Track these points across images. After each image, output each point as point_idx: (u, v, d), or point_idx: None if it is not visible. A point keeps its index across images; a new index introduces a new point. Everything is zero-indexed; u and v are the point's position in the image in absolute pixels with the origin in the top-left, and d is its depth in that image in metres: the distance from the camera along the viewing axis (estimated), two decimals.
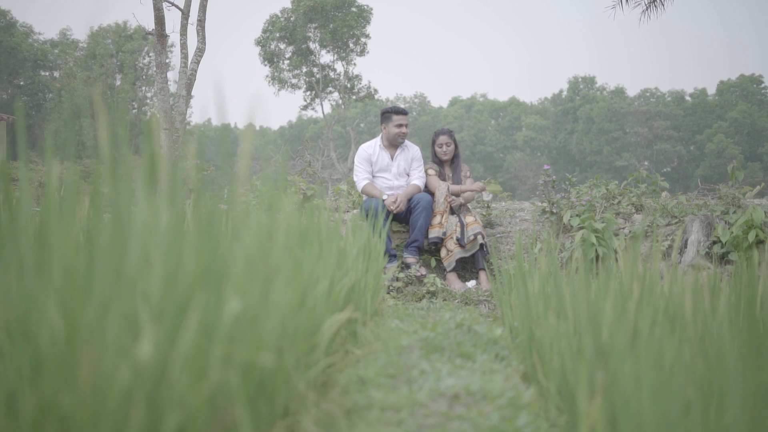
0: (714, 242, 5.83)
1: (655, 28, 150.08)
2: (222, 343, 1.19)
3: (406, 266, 6.13)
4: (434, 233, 6.23)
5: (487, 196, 7.16)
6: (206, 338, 1.16)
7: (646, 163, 70.12)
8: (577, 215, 6.48)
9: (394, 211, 6.17)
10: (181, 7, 12.28)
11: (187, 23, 12.29)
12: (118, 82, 50.91)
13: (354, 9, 40.84)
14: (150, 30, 12.14)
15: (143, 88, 51.75)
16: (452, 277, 6.11)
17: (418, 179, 6.51)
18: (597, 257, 5.82)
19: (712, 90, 77.23)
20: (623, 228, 6.47)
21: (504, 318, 3.46)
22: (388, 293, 5.59)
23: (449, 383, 2.08)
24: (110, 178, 1.13)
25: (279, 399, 1.53)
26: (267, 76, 42.03)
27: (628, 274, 1.82)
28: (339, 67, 42.79)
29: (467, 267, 6.46)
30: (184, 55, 12.20)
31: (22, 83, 54.43)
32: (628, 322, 1.66)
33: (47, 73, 55.94)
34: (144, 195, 1.19)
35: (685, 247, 5.88)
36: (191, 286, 1.13)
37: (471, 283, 6.08)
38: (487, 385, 2.08)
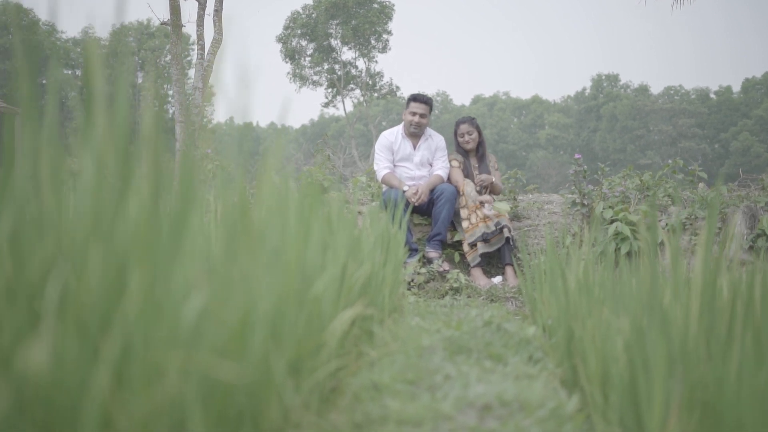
0: (758, 235, 5.47)
1: (680, 24, 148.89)
2: (177, 348, 0.87)
3: (428, 261, 5.84)
4: (479, 231, 5.86)
5: (488, 210, 6.45)
6: (149, 341, 0.84)
7: (670, 161, 69.06)
8: (610, 207, 6.14)
9: (416, 203, 5.87)
10: None
11: (203, 14, 12.10)
12: (140, 80, 51.11)
13: (376, 5, 40.56)
14: (165, 20, 11.94)
15: (165, 86, 51.95)
16: (477, 273, 5.80)
17: (441, 169, 6.18)
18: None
19: (737, 87, 76.31)
20: (659, 221, 6.11)
21: (535, 316, 3.17)
22: (409, 289, 5.33)
23: (479, 390, 1.77)
24: (25, 118, 0.83)
25: (267, 415, 1.21)
26: (288, 72, 41.85)
27: (700, 264, 1.50)
28: (361, 64, 42.55)
29: (493, 262, 6.15)
30: (201, 47, 12.01)
31: (44, 81, 54.84)
32: (706, 318, 1.34)
33: (70, 71, 56.23)
34: (80, 145, 0.89)
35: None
36: (129, 258, 0.82)
37: (497, 279, 5.79)
38: (524, 392, 1.77)
